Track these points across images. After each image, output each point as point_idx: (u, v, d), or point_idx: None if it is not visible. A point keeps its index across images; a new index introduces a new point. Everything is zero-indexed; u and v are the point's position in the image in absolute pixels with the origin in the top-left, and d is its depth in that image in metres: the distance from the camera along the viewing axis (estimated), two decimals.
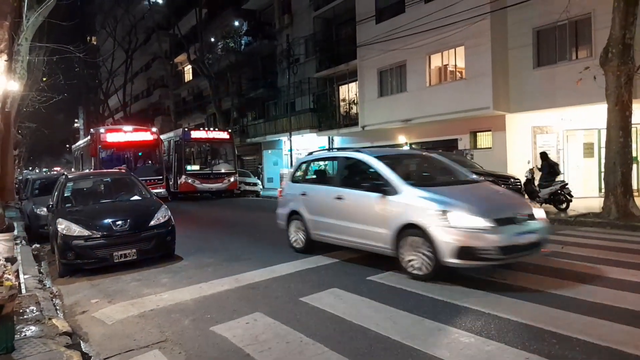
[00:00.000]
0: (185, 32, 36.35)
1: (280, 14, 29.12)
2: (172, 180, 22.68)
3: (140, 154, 20.48)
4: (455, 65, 18.02)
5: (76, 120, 70.38)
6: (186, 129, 24.36)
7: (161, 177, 19.85)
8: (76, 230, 7.05)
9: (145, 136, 20.04)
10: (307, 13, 26.41)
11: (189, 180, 22.04)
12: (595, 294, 4.98)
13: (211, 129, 26.46)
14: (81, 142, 26.17)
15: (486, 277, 5.75)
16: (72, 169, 27.48)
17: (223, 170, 22.87)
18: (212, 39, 33.75)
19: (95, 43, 55.34)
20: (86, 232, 7.05)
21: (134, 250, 7.21)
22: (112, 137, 19.31)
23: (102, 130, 19.68)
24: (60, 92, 24.51)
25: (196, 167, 22.85)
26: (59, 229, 7.10)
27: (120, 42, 43.83)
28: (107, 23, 43.65)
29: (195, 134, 23.38)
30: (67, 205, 8.14)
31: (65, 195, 8.49)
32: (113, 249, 7.07)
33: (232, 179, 22.91)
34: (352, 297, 5.23)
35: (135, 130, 20.32)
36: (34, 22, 13.99)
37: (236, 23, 31.73)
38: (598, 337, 3.81)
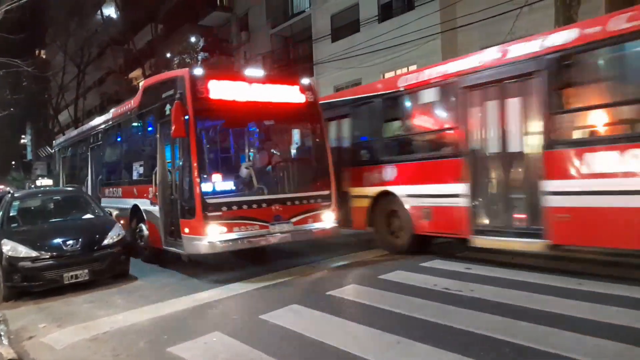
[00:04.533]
0: (140, 47, 35.73)
1: (238, 31, 29.16)
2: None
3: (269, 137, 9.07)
4: None
5: (23, 137, 67.42)
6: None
7: (328, 191, 8.12)
8: (22, 251, 6.73)
9: (292, 94, 8.25)
10: (264, 30, 26.56)
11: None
12: None
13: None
14: (103, 120, 11.93)
15: (443, 289, 5.88)
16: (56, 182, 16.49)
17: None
18: (169, 55, 33.35)
19: (44, 57, 53.52)
20: (34, 253, 6.74)
21: (86, 271, 6.93)
22: (223, 91, 7.44)
23: (197, 73, 7.33)
24: (7, 107, 23.42)
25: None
26: (3, 251, 6.75)
27: (72, 56, 42.57)
28: (58, 36, 42.37)
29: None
30: (12, 225, 7.78)
31: (11, 214, 8.12)
32: (63, 270, 6.77)
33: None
34: (312, 313, 5.22)
35: (270, 80, 8.30)
36: None
37: (193, 39, 31.53)
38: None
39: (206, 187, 7.05)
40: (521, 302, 5.08)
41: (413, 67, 17.78)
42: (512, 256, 7.09)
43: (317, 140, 8.58)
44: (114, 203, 10.34)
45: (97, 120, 12.58)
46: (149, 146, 8.86)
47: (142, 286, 7.17)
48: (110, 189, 10.86)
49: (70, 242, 7.00)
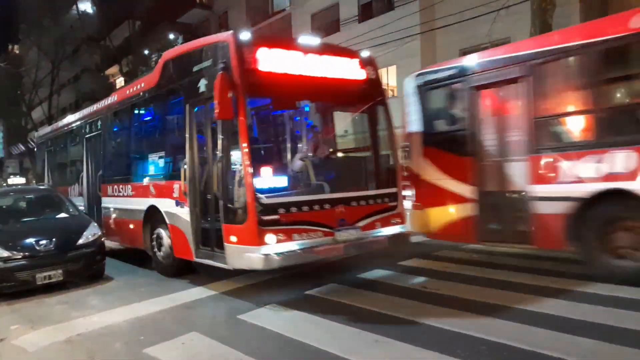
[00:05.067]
0: (117, 44, 35.14)
1: (218, 29, 28.95)
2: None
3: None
4: (388, 83, 18.65)
5: None
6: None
7: (394, 189, 6.79)
8: None
9: (352, 69, 6.69)
10: (244, 29, 26.39)
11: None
12: None
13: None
14: (105, 105, 10.03)
15: (422, 288, 5.94)
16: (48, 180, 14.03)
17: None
18: (147, 52, 32.89)
19: (18, 52, 52.20)
20: (5, 253, 6.56)
21: (60, 271, 6.78)
22: (274, 62, 5.92)
23: (244, 37, 5.86)
24: None
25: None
26: None
27: (46, 51, 41.61)
28: (32, 32, 41.35)
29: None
30: None
31: None
32: (36, 271, 6.61)
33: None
34: (291, 313, 5.22)
35: (328, 50, 6.56)
36: None
37: (171, 36, 31.17)
38: None
39: (261, 183, 5.68)
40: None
41: (392, 68, 17.93)
42: None
43: (382, 126, 7.10)
44: (121, 204, 8.75)
45: (96, 106, 10.66)
46: (173, 133, 7.29)
47: (118, 287, 7.06)
48: (116, 187, 8.95)
49: (44, 242, 6.84)
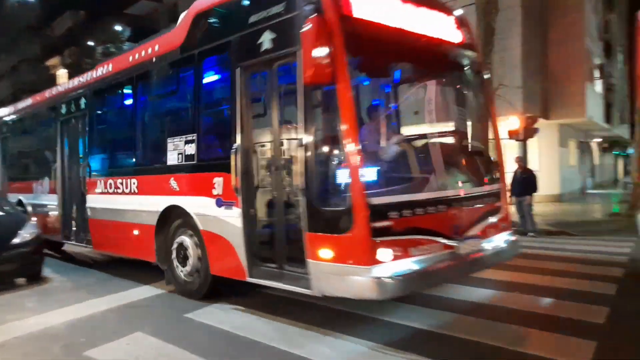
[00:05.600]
0: (60, 34, 33.58)
1: (168, 20, 28.19)
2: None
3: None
4: None
5: None
6: None
7: (498, 185, 5.45)
8: None
9: (450, 28, 5.25)
10: None
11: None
12: None
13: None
14: (94, 76, 7.87)
15: None
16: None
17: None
18: (92, 43, 31.60)
19: None
20: None
21: None
22: (370, 8, 4.40)
23: None
24: None
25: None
26: None
27: None
28: None
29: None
30: None
31: None
32: None
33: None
34: (242, 311, 5.17)
35: (425, 2, 4.99)
36: None
37: (119, 27, 30.10)
38: None
39: (368, 175, 4.07)
40: None
41: None
42: None
43: (483, 102, 5.72)
44: (119, 203, 6.86)
45: (76, 81, 8.46)
46: (211, 109, 5.94)
47: (58, 287, 6.75)
48: (110, 182, 7.08)
49: None
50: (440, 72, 5.58)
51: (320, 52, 3.88)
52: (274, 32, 4.57)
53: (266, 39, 4.63)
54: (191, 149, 5.64)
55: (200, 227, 5.40)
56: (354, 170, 3.91)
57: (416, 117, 5.69)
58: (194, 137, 5.61)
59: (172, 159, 5.92)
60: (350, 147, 3.93)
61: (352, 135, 3.95)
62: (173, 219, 5.92)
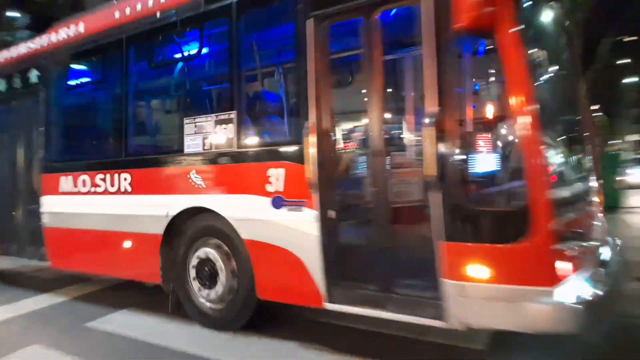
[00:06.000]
0: None
1: (71, 8, 26.38)
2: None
3: None
4: None
5: None
6: None
7: None
8: None
9: None
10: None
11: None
12: None
13: None
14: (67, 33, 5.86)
15: None
16: None
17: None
18: None
19: None
20: None
21: None
22: None
23: None
24: None
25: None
26: None
27: None
28: None
29: None
30: None
31: None
32: None
33: None
34: (150, 316, 5.00)
35: None
36: None
37: (15, 14, 27.70)
38: None
39: (549, 161, 3.04)
40: None
41: None
42: None
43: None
44: (99, 206, 5.24)
45: (28, 47, 6.36)
46: (262, 75, 4.90)
47: None
48: (85, 178, 5.40)
49: None
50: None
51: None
52: None
53: None
54: (227, 132, 4.20)
55: (244, 235, 4.09)
56: (534, 154, 2.83)
57: None
58: (231, 116, 4.18)
59: (193, 144, 4.42)
60: (525, 121, 2.81)
61: (527, 104, 2.82)
62: (191, 226, 4.54)
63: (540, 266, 2.83)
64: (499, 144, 3.21)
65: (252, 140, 4.29)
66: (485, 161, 3.22)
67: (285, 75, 4.50)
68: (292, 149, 3.82)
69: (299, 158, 3.68)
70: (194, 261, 4.48)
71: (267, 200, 3.93)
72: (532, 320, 2.83)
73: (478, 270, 2.96)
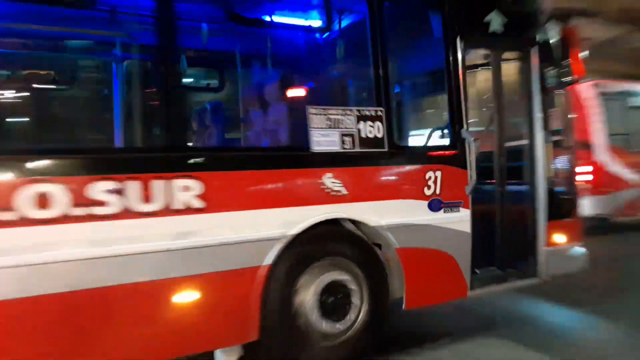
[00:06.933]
0: None
1: None
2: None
3: None
4: None
5: None
6: None
7: None
8: None
9: None
10: None
11: None
12: None
13: None
14: None
15: None
16: None
17: None
18: None
19: None
20: None
21: None
22: None
23: None
24: None
25: None
26: None
27: None
28: None
29: None
30: None
31: None
32: None
33: None
34: None
35: None
36: None
37: None
38: None
39: None
40: None
41: None
42: None
43: None
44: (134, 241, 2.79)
45: None
46: (418, 70, 4.92)
47: None
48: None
49: None
50: None
51: None
52: None
53: None
54: (375, 130, 3.60)
55: (397, 244, 3.61)
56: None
57: None
58: (380, 112, 3.61)
59: (327, 142, 3.39)
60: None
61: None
62: (306, 247, 3.32)
63: (579, 231, 4.54)
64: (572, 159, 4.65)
65: (407, 142, 4.73)
66: (572, 170, 4.68)
67: (442, 82, 4.08)
68: (449, 152, 3.93)
69: (455, 161, 3.89)
70: (311, 292, 3.33)
71: (424, 204, 3.75)
72: (578, 263, 4.47)
73: (560, 238, 4.36)
